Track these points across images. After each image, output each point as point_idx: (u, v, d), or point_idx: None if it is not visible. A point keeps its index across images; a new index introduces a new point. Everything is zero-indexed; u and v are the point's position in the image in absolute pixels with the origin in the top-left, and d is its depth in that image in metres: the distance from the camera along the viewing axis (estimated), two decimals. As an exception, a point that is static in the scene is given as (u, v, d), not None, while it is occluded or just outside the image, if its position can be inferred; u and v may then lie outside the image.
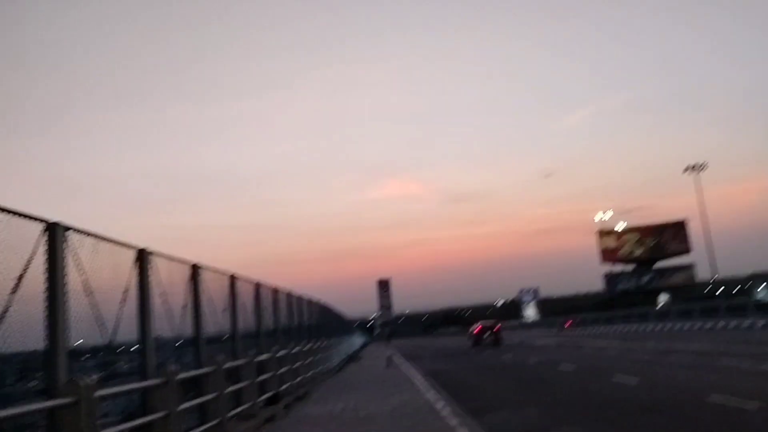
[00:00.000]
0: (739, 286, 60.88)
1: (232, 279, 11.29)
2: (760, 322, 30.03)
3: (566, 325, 58.55)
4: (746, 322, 31.47)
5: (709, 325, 34.89)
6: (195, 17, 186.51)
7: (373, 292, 38.23)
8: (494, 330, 43.90)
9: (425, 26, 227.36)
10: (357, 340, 53.61)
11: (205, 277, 9.50)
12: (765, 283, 57.34)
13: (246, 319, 12.25)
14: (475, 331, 44.95)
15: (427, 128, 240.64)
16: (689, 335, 30.99)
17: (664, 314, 46.82)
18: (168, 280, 7.81)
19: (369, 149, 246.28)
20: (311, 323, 21.90)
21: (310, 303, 22.50)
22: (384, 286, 41.54)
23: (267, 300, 14.64)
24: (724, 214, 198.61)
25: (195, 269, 9.16)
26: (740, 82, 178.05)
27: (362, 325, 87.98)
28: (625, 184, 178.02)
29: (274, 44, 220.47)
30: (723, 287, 67.39)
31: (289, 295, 18.21)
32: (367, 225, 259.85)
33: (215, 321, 9.86)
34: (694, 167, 52.49)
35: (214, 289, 9.89)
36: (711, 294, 64.39)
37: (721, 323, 33.80)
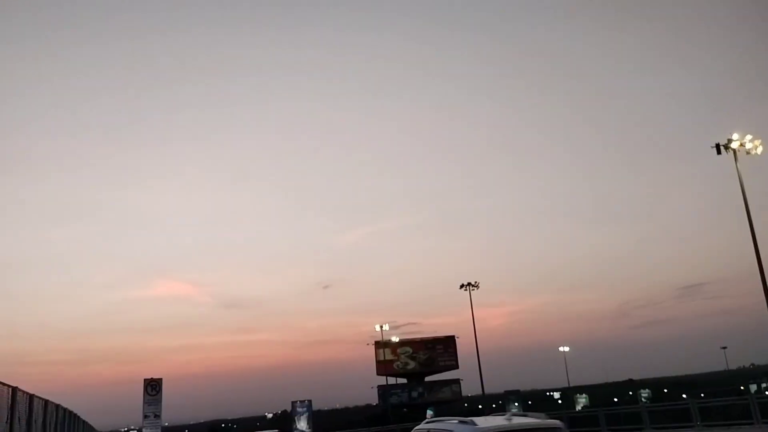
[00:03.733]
0: (500, 402, 65.00)
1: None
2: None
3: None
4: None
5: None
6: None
7: (132, 399, 33.89)
8: None
9: (214, 130, 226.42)
10: None
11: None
12: (516, 400, 62.31)
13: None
14: None
15: (205, 231, 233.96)
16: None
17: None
18: None
19: (139, 244, 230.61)
20: None
21: (58, 410, 17.63)
22: (153, 387, 36.65)
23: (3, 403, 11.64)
24: (484, 333, 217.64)
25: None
26: (488, 209, 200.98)
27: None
28: (398, 300, 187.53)
29: (40, 122, 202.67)
30: (482, 403, 71.62)
31: (32, 398, 14.85)
32: (130, 326, 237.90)
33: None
34: (468, 285, 56.72)
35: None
36: (473, 408, 68.00)
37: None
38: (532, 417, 8.40)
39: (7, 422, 9.64)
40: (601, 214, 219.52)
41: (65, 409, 17.58)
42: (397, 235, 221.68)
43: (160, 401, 38.46)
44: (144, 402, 38.57)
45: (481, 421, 8.15)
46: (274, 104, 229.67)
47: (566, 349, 69.14)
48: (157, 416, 38.43)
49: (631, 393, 67.60)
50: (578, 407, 55.62)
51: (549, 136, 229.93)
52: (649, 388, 65.73)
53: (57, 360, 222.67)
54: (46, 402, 13.04)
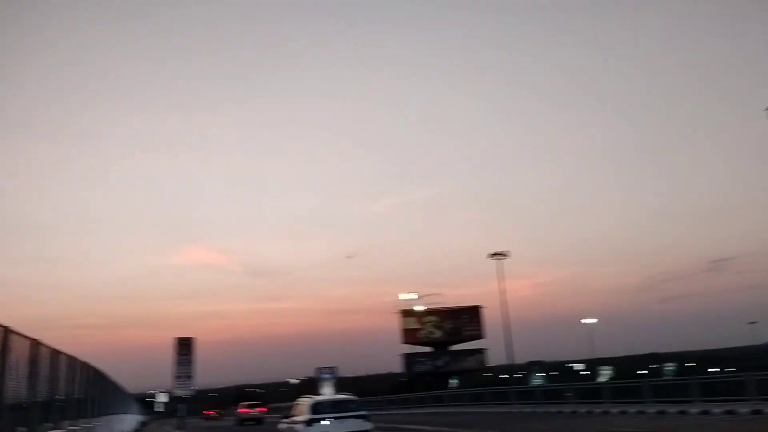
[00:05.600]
0: (525, 372, 65.03)
1: (6, 332, 8.69)
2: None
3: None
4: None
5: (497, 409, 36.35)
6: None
7: (163, 363, 33.69)
8: (257, 410, 48.78)
9: (246, 97, 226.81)
10: (130, 419, 45.18)
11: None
12: (539, 371, 62.50)
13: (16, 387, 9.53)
14: (239, 411, 49.84)
15: (233, 198, 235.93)
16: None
17: (457, 397, 48.07)
18: None
19: (171, 211, 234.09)
20: (87, 395, 17.77)
21: (85, 368, 17.66)
22: (184, 347, 35.02)
23: (46, 364, 11.85)
24: (509, 304, 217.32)
25: None
26: (522, 184, 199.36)
27: (142, 400, 79.72)
28: (423, 270, 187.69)
29: (66, 88, 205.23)
30: (506, 373, 71.81)
31: (73, 360, 15.20)
32: (161, 292, 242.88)
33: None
34: (497, 254, 56.11)
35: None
36: (495, 378, 68.18)
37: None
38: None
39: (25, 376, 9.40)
40: (630, 185, 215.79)
41: (85, 364, 17.83)
42: (423, 206, 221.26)
43: (192, 362, 37.06)
44: (175, 362, 37.12)
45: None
46: (305, 72, 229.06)
47: (593, 320, 68.45)
48: (189, 377, 37.09)
49: (655, 366, 67.05)
50: (601, 379, 55.31)
51: (578, 105, 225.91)
52: (673, 362, 65.14)
53: (89, 324, 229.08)
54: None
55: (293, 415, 17.52)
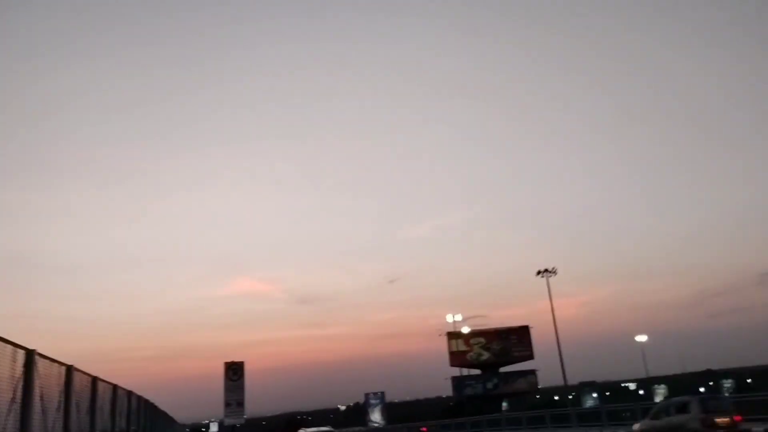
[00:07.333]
0: (574, 394, 63.75)
1: (69, 371, 9.16)
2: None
3: (423, 430, 56.78)
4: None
5: None
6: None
7: (213, 392, 33.43)
8: None
9: (284, 130, 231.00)
10: None
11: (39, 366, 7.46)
12: (591, 392, 60.98)
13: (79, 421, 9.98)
14: None
15: (277, 228, 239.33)
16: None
17: (515, 420, 47.26)
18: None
19: (217, 244, 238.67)
20: (141, 426, 18.25)
21: (139, 400, 18.26)
22: (235, 371, 34.20)
23: (105, 399, 12.34)
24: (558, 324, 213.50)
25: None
26: (560, 202, 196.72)
27: (197, 430, 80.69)
28: (465, 292, 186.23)
29: (115, 129, 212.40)
30: (558, 394, 70.34)
31: (130, 394, 15.74)
32: (210, 323, 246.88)
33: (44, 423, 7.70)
34: (545, 271, 54.76)
35: (46, 385, 7.81)
36: (548, 401, 66.79)
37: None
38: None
39: (58, 408, 8.53)
40: (675, 198, 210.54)
41: (140, 397, 18.28)
42: (462, 227, 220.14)
43: (243, 387, 35.55)
44: (225, 388, 35.65)
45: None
46: (339, 102, 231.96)
47: (644, 338, 66.68)
48: (240, 404, 35.61)
49: (711, 383, 64.73)
50: (657, 398, 53.71)
51: (613, 120, 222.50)
52: (729, 378, 62.75)
53: (141, 356, 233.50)
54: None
55: None
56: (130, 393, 15.86)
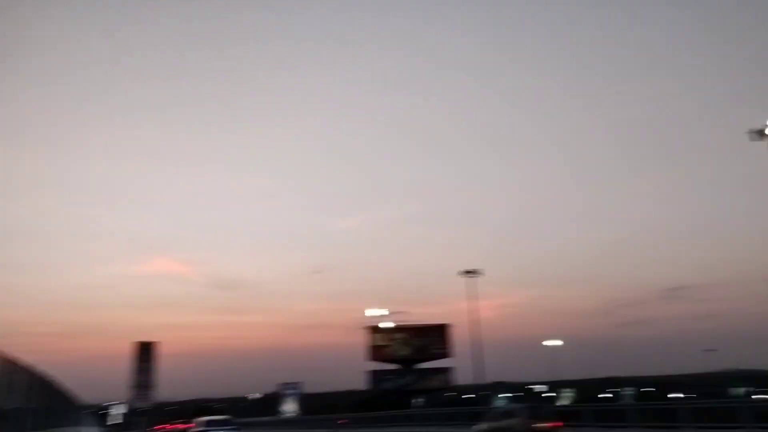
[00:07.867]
0: (489, 393, 64.70)
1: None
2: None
3: (341, 423, 56.13)
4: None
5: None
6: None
7: (117, 375, 31.54)
8: (186, 427, 47.12)
9: (215, 114, 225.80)
10: None
11: None
12: (503, 391, 62.32)
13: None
14: (166, 427, 49.36)
15: (201, 211, 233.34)
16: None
17: (429, 417, 47.57)
18: None
19: (136, 221, 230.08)
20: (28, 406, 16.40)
21: (26, 373, 16.49)
22: (145, 353, 32.98)
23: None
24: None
25: None
26: (489, 206, 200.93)
27: (98, 413, 77.33)
28: (390, 287, 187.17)
29: (33, 94, 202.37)
30: (472, 392, 71.40)
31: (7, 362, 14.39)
32: (121, 301, 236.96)
33: None
34: (469, 272, 55.26)
35: None
36: (457, 399, 67.75)
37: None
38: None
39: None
40: (594, 210, 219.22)
41: (36, 373, 16.84)
42: (392, 223, 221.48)
43: (154, 369, 33.96)
44: (134, 370, 33.76)
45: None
46: (276, 89, 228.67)
47: (558, 342, 68.49)
48: (149, 386, 33.95)
49: (617, 390, 67.26)
50: (564, 402, 55.28)
51: (546, 131, 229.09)
52: (630, 386, 65.34)
53: (45, 331, 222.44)
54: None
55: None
56: (10, 362, 14.49)
